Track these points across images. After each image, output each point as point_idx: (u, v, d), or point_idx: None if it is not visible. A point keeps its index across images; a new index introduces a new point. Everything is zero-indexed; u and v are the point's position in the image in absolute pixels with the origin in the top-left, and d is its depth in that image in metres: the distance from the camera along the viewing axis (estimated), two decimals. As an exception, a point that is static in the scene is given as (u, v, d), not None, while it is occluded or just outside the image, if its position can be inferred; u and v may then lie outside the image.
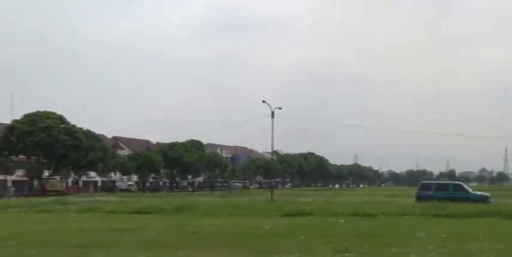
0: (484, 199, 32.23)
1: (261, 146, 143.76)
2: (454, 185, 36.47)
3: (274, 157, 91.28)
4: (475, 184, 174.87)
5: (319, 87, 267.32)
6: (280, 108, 50.01)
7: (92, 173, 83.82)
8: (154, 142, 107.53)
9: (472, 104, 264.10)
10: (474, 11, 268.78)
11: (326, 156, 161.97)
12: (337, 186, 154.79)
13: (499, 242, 12.24)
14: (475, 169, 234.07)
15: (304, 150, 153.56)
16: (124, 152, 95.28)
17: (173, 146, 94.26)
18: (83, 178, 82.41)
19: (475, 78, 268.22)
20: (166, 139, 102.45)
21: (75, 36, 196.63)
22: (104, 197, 46.22)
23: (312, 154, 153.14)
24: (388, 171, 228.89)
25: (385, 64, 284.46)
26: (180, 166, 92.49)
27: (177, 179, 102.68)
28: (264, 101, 48.71)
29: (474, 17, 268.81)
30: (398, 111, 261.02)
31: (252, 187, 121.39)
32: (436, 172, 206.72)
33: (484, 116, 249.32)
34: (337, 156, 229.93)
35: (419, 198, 32.60)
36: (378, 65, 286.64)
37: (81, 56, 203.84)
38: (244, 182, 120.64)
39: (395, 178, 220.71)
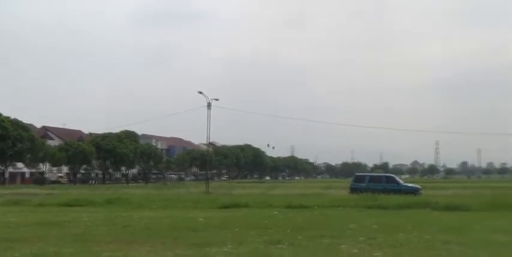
0: (414, 191, 33.05)
1: (198, 137, 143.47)
2: (387, 177, 37.32)
3: (210, 149, 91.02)
4: (407, 176, 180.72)
5: (256, 79, 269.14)
6: (217, 100, 49.74)
7: (20, 164, 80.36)
8: (87, 133, 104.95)
9: (408, 98, 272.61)
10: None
11: (263, 148, 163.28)
12: (268, 178, 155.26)
13: (427, 233, 12.55)
14: (407, 161, 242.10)
15: (241, 142, 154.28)
16: (54, 142, 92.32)
17: (106, 137, 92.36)
18: (10, 169, 79.07)
19: (414, 73, 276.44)
20: (99, 129, 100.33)
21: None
22: (32, 190, 44.68)
23: (248, 146, 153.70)
24: (324, 163, 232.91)
25: (322, 56, 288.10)
26: (113, 157, 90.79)
27: (110, 170, 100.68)
28: (200, 92, 48.33)
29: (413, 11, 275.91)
30: (335, 103, 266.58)
31: (187, 179, 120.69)
32: (370, 164, 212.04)
33: (418, 110, 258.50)
34: (275, 148, 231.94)
35: (353, 190, 33.13)
36: (315, 56, 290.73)
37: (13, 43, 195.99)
38: (180, 174, 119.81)
39: (331, 170, 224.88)
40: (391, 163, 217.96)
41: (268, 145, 70.56)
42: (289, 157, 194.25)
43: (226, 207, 22.38)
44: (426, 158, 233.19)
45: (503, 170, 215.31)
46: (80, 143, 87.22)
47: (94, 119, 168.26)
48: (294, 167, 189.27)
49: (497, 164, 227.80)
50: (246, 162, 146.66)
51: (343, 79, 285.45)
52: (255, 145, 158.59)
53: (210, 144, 74.55)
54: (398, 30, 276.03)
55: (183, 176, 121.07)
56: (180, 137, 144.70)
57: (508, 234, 12.60)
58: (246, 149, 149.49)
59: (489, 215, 18.24)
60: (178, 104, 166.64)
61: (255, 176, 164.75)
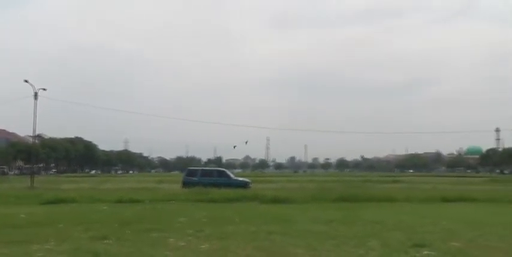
0: (244, 185, 34.00)
1: (24, 129, 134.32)
2: (218, 171, 37.96)
3: (37, 141, 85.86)
4: (240, 170, 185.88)
5: (90, 71, 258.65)
6: (44, 89, 46.56)
7: None
8: None
9: (242, 95, 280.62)
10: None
11: (95, 141, 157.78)
12: (98, 172, 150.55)
13: (253, 224, 13.09)
14: (240, 156, 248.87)
15: (72, 135, 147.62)
16: None
17: None
18: None
19: (251, 69, 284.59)
20: None
21: None
22: None
23: (79, 139, 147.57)
24: (158, 157, 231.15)
25: (159, 50, 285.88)
26: None
27: None
28: (26, 81, 45.18)
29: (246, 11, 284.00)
30: (170, 97, 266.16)
31: (11, 173, 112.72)
32: (204, 159, 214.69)
33: (251, 107, 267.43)
34: (107, 141, 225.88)
35: (185, 184, 33.24)
36: (152, 50, 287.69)
37: None
38: (3, 168, 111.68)
39: (166, 165, 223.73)
40: (225, 158, 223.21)
41: (246, 142, 67.59)
42: (122, 150, 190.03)
43: (51, 202, 21.28)
44: (258, 153, 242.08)
45: (326, 165, 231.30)
46: None
47: None
48: (127, 161, 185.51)
49: (321, 160, 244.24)
50: (76, 156, 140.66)
51: (184, 76, 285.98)
52: (87, 138, 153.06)
53: (37, 136, 70.17)
54: (233, 30, 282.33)
55: (6, 170, 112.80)
56: (3, 128, 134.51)
57: (325, 224, 13.61)
58: (76, 142, 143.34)
59: (311, 207, 19.51)
60: (2, 94, 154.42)
61: (86, 170, 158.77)
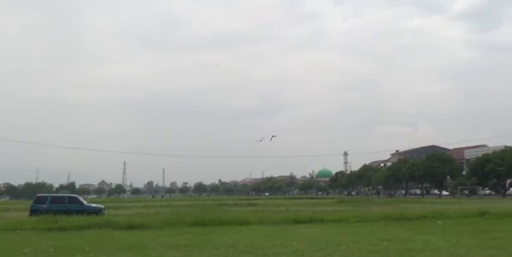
0: (98, 211, 32.93)
1: None
2: (70, 197, 36.35)
3: None
4: (95, 196, 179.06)
5: None
6: None
7: None
8: None
9: (98, 118, 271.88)
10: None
11: None
12: None
13: (104, 252, 12.73)
14: (95, 181, 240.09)
15: None
16: None
17: None
18: None
19: (107, 92, 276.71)
20: None
21: None
22: None
23: None
24: (4, 184, 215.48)
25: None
26: None
27: None
28: None
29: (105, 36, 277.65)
30: (17, 121, 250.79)
31: None
32: (56, 185, 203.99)
33: (108, 131, 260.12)
34: None
35: (33, 212, 31.39)
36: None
37: None
38: None
39: (13, 192, 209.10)
40: (79, 183, 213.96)
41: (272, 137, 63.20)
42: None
43: None
44: (114, 178, 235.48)
45: (184, 189, 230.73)
46: None
47: None
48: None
49: (179, 184, 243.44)
50: None
51: (37, 98, 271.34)
52: None
53: None
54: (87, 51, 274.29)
55: None
56: None
57: (179, 249, 13.61)
58: None
59: (166, 232, 19.36)
60: None
61: None
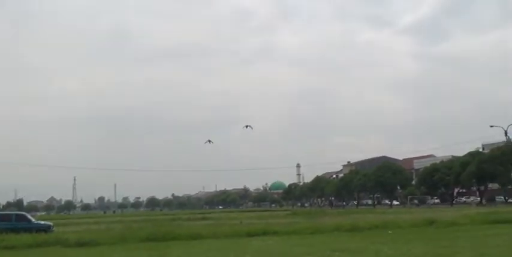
0: (47, 228, 32.13)
1: None
2: (17, 215, 35.29)
3: None
4: (44, 213, 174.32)
5: None
6: None
7: None
8: None
9: (44, 134, 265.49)
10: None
11: None
12: None
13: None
14: (44, 198, 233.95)
15: None
16: None
17: None
18: None
19: (57, 107, 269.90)
20: None
21: None
22: None
23: None
24: None
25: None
26: None
27: None
28: None
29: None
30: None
31: None
32: (3, 202, 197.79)
33: (56, 145, 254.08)
34: None
35: (-22, 230, 30.36)
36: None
37: None
38: None
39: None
40: (27, 200, 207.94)
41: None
42: None
43: None
44: (63, 194, 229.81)
45: (137, 204, 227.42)
46: None
47: None
48: None
49: (132, 199, 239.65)
50: None
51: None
52: None
53: None
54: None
55: None
56: None
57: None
58: None
59: (118, 249, 19.01)
60: None
61: None
